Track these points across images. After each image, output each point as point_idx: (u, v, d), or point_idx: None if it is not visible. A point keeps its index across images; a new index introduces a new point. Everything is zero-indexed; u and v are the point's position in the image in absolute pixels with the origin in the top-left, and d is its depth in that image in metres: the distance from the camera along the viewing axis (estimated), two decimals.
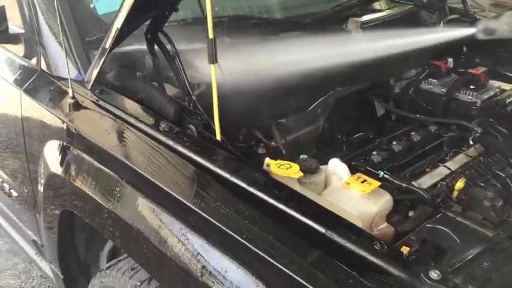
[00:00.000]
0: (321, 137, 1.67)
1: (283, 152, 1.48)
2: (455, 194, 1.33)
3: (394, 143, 1.56)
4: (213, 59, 1.15)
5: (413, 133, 1.61)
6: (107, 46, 1.29)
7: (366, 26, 1.78)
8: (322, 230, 0.94)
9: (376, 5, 2.13)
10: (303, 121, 1.62)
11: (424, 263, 0.90)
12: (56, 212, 1.49)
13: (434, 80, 1.81)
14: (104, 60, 1.31)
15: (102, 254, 1.67)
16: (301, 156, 1.33)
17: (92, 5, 1.61)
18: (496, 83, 1.83)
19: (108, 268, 1.41)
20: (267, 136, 1.51)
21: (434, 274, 0.83)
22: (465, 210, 1.22)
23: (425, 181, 1.39)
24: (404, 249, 0.98)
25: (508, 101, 1.74)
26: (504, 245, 0.92)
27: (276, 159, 1.22)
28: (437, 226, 0.98)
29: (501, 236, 0.93)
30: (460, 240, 0.94)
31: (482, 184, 1.35)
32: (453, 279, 0.83)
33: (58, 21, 1.44)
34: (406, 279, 0.84)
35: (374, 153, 1.50)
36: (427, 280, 0.83)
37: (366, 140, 1.67)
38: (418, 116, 1.72)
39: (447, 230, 0.96)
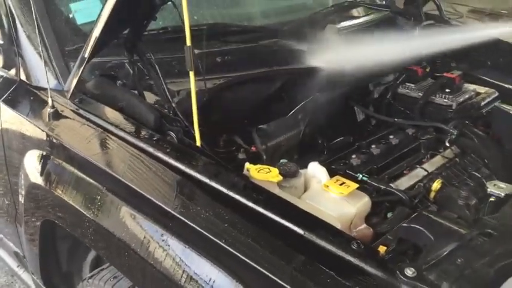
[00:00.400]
0: (302, 142, 1.69)
1: (264, 157, 1.50)
2: (432, 194, 1.35)
3: (373, 146, 1.59)
4: (191, 66, 1.17)
5: (391, 136, 1.64)
6: (86, 55, 1.30)
7: (344, 33, 1.82)
8: (300, 231, 0.96)
9: (354, 12, 2.17)
10: (284, 127, 1.64)
11: (400, 261, 0.91)
12: (37, 222, 1.48)
13: (411, 85, 1.85)
14: (83, 69, 1.32)
15: (85, 263, 1.66)
16: (281, 161, 1.35)
17: (71, 15, 1.61)
18: (471, 86, 1.87)
19: (90, 277, 1.41)
20: (248, 142, 1.52)
21: (409, 271, 0.85)
22: (441, 209, 1.25)
23: (403, 183, 1.42)
24: (381, 249, 1.00)
25: (482, 103, 1.79)
26: (477, 241, 0.94)
27: (256, 164, 1.24)
28: (413, 225, 1.01)
29: (474, 233, 0.96)
30: (435, 238, 0.96)
31: (457, 184, 1.37)
32: (428, 275, 0.85)
33: (37, 31, 1.44)
34: (382, 277, 0.86)
35: (353, 156, 1.53)
36: (402, 277, 0.85)
37: (347, 144, 1.69)
38: (396, 119, 1.75)
39: (422, 229, 0.99)
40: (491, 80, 1.93)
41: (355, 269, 0.89)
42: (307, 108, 1.68)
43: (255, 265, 0.93)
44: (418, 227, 0.99)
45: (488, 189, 1.28)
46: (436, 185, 1.35)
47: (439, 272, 0.86)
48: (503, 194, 1.27)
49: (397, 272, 0.86)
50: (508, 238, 0.96)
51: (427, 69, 1.92)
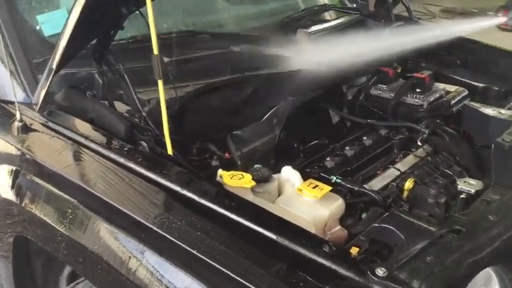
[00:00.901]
0: (278, 147, 1.70)
1: (239, 163, 1.50)
2: (405, 193, 1.37)
3: (347, 148, 1.60)
4: (160, 75, 1.17)
5: (365, 138, 1.66)
6: (53, 66, 1.29)
7: (315, 36, 1.83)
8: (273, 236, 0.96)
9: (325, 16, 2.19)
10: (259, 132, 1.64)
11: (371, 262, 0.92)
12: (10, 239, 1.45)
13: (383, 86, 1.87)
14: (51, 81, 1.31)
15: (61, 278, 1.63)
16: (255, 166, 1.35)
17: (38, 27, 1.59)
18: (441, 86, 1.90)
19: None
20: (222, 149, 1.52)
21: (380, 271, 0.86)
22: (412, 208, 1.27)
23: (377, 183, 1.43)
24: (354, 250, 1.00)
25: (453, 102, 1.82)
26: (447, 239, 0.95)
27: (229, 171, 1.24)
28: (383, 225, 1.02)
29: (443, 230, 0.97)
30: (405, 237, 0.97)
31: (429, 182, 1.39)
32: (398, 275, 0.86)
33: (2, 44, 1.42)
34: (354, 278, 0.87)
35: (327, 159, 1.54)
36: (373, 278, 0.86)
37: (322, 147, 1.70)
38: (369, 121, 1.77)
39: (393, 228, 1.00)
40: (460, 79, 1.97)
41: (328, 271, 0.90)
42: (281, 113, 1.69)
43: (228, 272, 0.93)
44: (389, 226, 1.00)
45: (459, 187, 1.31)
46: (409, 184, 1.37)
47: (410, 270, 0.87)
48: (473, 191, 1.29)
49: (369, 272, 0.86)
50: (477, 234, 0.97)
51: (398, 70, 1.95)
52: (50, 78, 1.30)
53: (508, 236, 0.97)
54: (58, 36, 1.33)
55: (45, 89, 1.33)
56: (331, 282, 0.88)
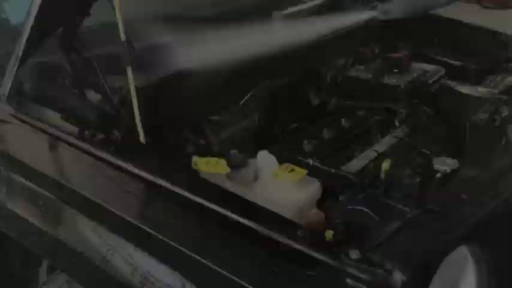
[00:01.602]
0: (257, 131, 1.68)
1: (216, 148, 1.48)
2: (382, 175, 1.37)
3: (325, 130, 1.59)
4: (128, 62, 1.14)
5: (343, 119, 1.65)
6: (19, 54, 1.25)
7: (290, 17, 1.80)
8: (247, 223, 0.96)
9: None
10: (236, 116, 1.62)
11: (346, 244, 0.92)
12: None
13: (361, 66, 1.86)
14: (17, 69, 1.27)
15: (41, 269, 1.61)
16: (231, 151, 1.33)
17: (4, 15, 1.54)
18: (419, 65, 1.89)
19: (44, 284, 1.38)
20: (200, 134, 1.50)
21: (353, 254, 0.86)
22: (388, 189, 1.27)
23: (354, 165, 1.43)
24: (328, 233, 1.00)
25: (430, 81, 1.81)
26: (419, 219, 0.96)
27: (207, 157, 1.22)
28: (358, 207, 1.01)
29: (416, 211, 0.97)
30: (379, 218, 0.97)
31: (405, 163, 1.39)
32: (372, 256, 0.86)
33: None
34: (328, 261, 0.87)
35: (305, 142, 1.52)
36: (347, 261, 0.86)
37: (302, 129, 1.69)
38: (347, 102, 1.76)
39: (367, 210, 0.99)
40: (438, 58, 1.96)
41: (303, 256, 0.89)
42: (258, 96, 1.67)
43: (203, 260, 0.92)
44: (363, 208, 1.00)
45: (435, 166, 1.30)
46: (386, 165, 1.36)
47: (383, 251, 0.87)
48: (449, 170, 1.29)
49: (342, 255, 0.86)
50: (450, 214, 0.97)
51: (376, 50, 1.93)
52: (16, 66, 1.27)
53: (481, 215, 0.98)
54: None
55: (12, 77, 1.30)
56: (306, 266, 0.88)
